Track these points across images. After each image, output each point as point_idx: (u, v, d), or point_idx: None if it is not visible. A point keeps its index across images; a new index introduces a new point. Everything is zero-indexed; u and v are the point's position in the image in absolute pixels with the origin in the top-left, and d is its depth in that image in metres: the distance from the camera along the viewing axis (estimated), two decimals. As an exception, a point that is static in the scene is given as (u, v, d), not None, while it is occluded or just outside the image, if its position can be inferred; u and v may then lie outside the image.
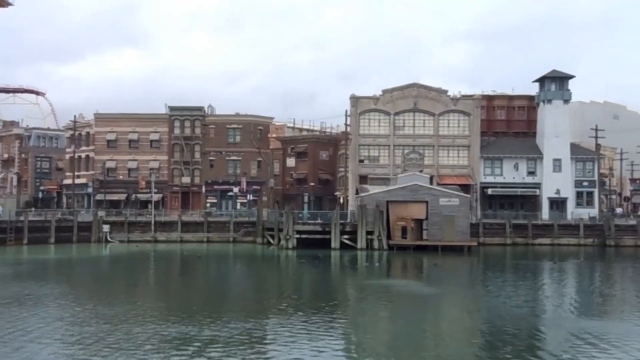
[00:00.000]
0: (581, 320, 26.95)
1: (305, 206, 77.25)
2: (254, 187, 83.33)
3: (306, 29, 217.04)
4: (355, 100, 77.19)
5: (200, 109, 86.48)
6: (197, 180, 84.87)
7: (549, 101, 75.89)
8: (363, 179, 74.69)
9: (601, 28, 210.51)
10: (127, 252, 58.93)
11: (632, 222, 70.38)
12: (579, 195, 75.23)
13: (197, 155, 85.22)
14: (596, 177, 76.58)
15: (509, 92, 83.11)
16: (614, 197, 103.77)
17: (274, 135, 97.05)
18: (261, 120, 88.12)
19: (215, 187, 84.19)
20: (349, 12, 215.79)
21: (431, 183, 65.77)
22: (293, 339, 22.06)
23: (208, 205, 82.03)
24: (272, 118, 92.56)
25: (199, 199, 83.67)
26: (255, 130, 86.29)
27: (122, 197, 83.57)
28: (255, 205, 74.55)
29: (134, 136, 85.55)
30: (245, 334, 22.66)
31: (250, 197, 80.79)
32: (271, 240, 64.14)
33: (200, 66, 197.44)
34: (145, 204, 79.08)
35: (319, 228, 61.87)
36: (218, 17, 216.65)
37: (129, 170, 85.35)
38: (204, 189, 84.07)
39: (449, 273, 45.59)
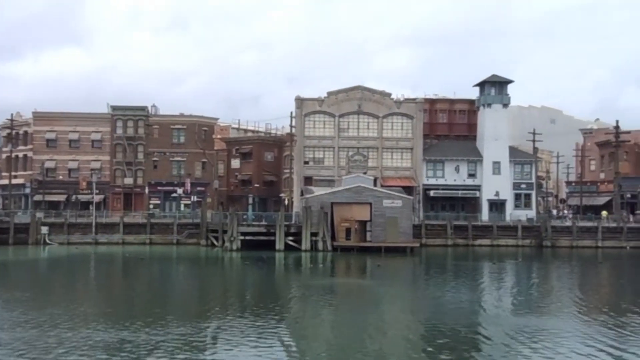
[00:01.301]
0: (519, 317, 27.93)
1: (250, 207, 77.05)
2: (198, 188, 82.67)
3: (251, 30, 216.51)
4: (300, 102, 77.50)
5: (143, 108, 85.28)
6: (140, 181, 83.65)
7: (489, 105, 77.75)
8: (308, 180, 75.05)
9: (539, 35, 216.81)
10: (67, 254, 57.67)
11: (568, 223, 72.75)
12: (517, 197, 77.30)
13: (140, 155, 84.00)
14: (534, 180, 78.89)
15: (451, 96, 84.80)
16: (550, 199, 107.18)
17: (219, 136, 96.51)
18: (206, 121, 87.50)
19: (159, 188, 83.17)
20: (293, 14, 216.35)
21: (375, 185, 66.63)
22: (236, 342, 22.06)
23: (151, 206, 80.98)
24: (217, 119, 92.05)
25: (141, 200, 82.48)
26: (200, 131, 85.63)
27: (62, 198, 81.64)
28: (199, 207, 73.95)
29: (75, 136, 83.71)
30: (187, 338, 22.42)
31: (194, 198, 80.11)
32: (215, 242, 63.78)
33: (144, 66, 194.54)
34: (86, 205, 77.48)
35: (263, 230, 61.88)
36: (162, 16, 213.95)
37: (69, 170, 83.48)
38: (147, 190, 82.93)
39: (391, 274, 46.29)
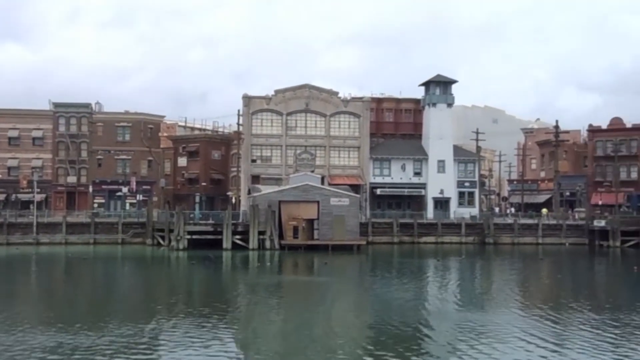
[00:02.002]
0: (463, 312, 28.69)
1: (197, 206, 76.45)
2: (144, 187, 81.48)
3: (198, 27, 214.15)
4: (247, 100, 77.25)
5: (87, 105, 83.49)
6: (83, 179, 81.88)
7: (434, 104, 78.99)
8: (255, 178, 74.88)
9: (482, 36, 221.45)
10: (6, 255, 56.09)
11: (509, 220, 74.65)
12: (461, 195, 78.81)
13: (84, 153, 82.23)
14: (477, 178, 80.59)
15: (397, 95, 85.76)
16: (493, 197, 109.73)
17: (165, 134, 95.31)
18: (152, 118, 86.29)
19: (103, 186, 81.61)
20: (240, 11, 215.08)
21: (322, 183, 66.96)
22: (181, 343, 21.85)
23: (95, 205, 79.36)
24: (163, 116, 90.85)
25: (85, 199, 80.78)
26: (146, 128, 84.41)
27: (1, 197, 79.25)
28: (145, 206, 72.88)
29: (14, 133, 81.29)
30: (130, 341, 22.04)
31: (140, 197, 78.89)
32: (161, 242, 63.06)
33: (88, 62, 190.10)
34: (26, 204, 75.34)
35: (210, 228, 61.48)
36: (106, 12, 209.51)
37: (9, 168, 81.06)
38: (91, 189, 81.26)
39: (338, 271, 46.74)
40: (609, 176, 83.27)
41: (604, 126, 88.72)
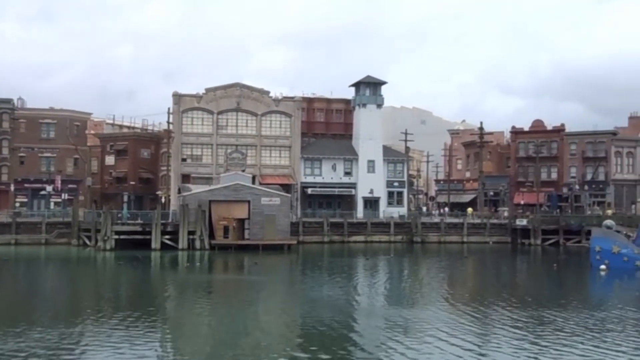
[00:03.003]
0: (391, 308, 29.41)
1: (125, 206, 75.00)
2: (70, 185, 79.34)
3: (126, 23, 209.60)
4: (178, 98, 76.33)
5: (8, 101, 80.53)
6: (4, 177, 79.01)
7: (364, 105, 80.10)
8: (186, 178, 74.09)
9: (410, 39, 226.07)
10: None
11: (436, 220, 76.57)
12: (390, 194, 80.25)
13: (5, 151, 79.35)
14: (406, 178, 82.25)
15: (328, 96, 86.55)
16: (421, 196, 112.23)
17: (92, 132, 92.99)
18: (78, 115, 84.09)
19: (26, 185, 78.97)
20: (170, 8, 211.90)
21: (253, 183, 66.94)
22: (108, 346, 21.41)
23: (17, 204, 76.70)
24: (90, 114, 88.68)
25: (7, 198, 77.94)
26: (72, 125, 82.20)
27: None
28: (70, 205, 70.90)
29: None
30: (53, 345, 21.39)
31: (65, 196, 76.74)
32: (87, 242, 61.60)
33: (11, 58, 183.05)
34: (-58, 203, 72.21)
35: (139, 228, 60.45)
36: (29, 7, 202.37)
37: None
38: (12, 187, 78.47)
39: (269, 271, 46.85)
40: (531, 176, 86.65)
41: (526, 128, 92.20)
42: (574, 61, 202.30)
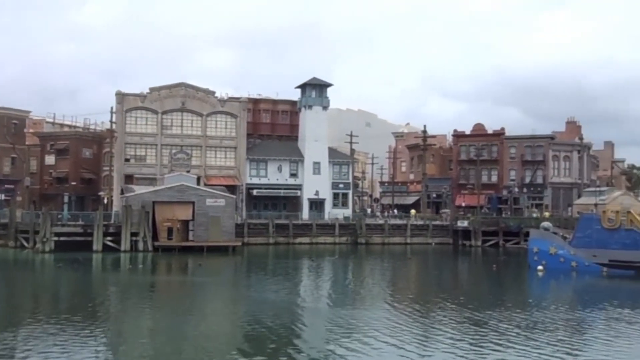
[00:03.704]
0: (335, 310, 29.69)
1: (66, 207, 73.28)
2: (7, 185, 77.09)
3: (67, 21, 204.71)
4: (121, 97, 75.06)
5: (-58, 98, 77.81)
6: (-63, 177, 76.28)
7: (310, 107, 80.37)
8: (129, 178, 72.87)
9: (355, 42, 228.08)
10: None
11: (380, 221, 77.49)
12: (335, 196, 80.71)
13: (-62, 149, 76.60)
14: (351, 180, 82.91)
15: (274, 97, 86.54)
16: (365, 198, 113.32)
17: (31, 131, 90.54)
18: (15, 113, 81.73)
19: (-40, 185, 76.41)
20: (113, 6, 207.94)
21: (198, 184, 66.40)
22: (45, 351, 20.87)
23: (-50, 205, 74.04)
24: (28, 112, 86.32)
25: (-61, 199, 75.20)
26: (9, 124, 79.83)
27: None
28: (7, 206, 68.83)
29: None
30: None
31: (2, 196, 74.50)
32: (25, 244, 59.88)
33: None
34: None
35: (80, 230, 59.18)
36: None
37: None
38: (-55, 187, 75.79)
39: (213, 273, 46.59)
40: (472, 179, 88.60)
41: (468, 132, 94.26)
42: (514, 67, 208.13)
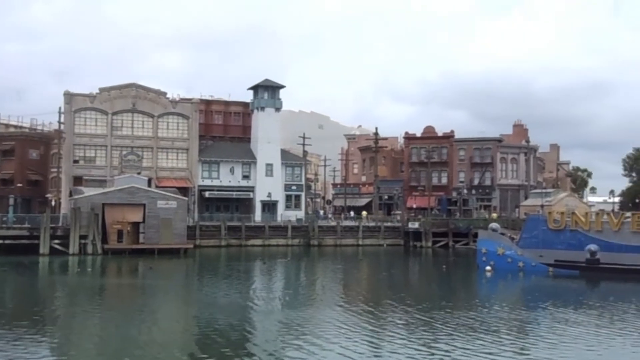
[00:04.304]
0: (287, 311, 29.74)
1: (11, 209, 71.07)
2: (-51, 187, 74.64)
3: (13, 20, 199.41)
4: (69, 97, 73.57)
5: None
6: None
7: (262, 109, 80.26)
8: (78, 180, 71.38)
9: (307, 45, 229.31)
10: None
11: (333, 223, 77.93)
12: (288, 198, 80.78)
13: None
14: (303, 182, 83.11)
15: (226, 98, 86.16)
16: (318, 200, 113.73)
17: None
18: (-42, 113, 79.24)
19: None
20: (61, 5, 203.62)
21: (149, 185, 65.63)
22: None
23: None
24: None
25: None
26: (-49, 124, 77.36)
27: None
28: (-51, 208, 66.79)
29: None
30: None
31: (-57, 198, 72.16)
32: (-31, 247, 58.20)
33: None
34: None
35: (26, 233, 57.79)
36: None
37: None
38: None
39: (164, 276, 46.14)
40: (423, 181, 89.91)
41: (419, 134, 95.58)
42: (462, 71, 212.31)
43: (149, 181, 67.62)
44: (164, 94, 78.01)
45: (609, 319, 28.53)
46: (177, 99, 79.33)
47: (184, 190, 70.78)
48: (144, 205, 59.95)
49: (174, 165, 76.99)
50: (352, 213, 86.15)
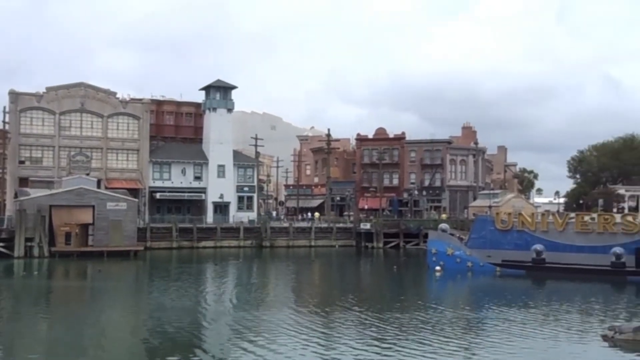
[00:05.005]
0: (239, 313, 29.76)
1: (-48, 211, 69.16)
2: None
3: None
4: (15, 96, 71.74)
5: None
6: None
7: (214, 109, 79.72)
8: (23, 181, 69.57)
9: (258, 46, 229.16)
10: None
11: (285, 224, 77.99)
12: (240, 199, 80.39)
13: None
14: (256, 183, 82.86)
15: (178, 99, 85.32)
16: (270, 201, 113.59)
17: None
18: None
19: None
20: (7, 4, 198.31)
21: (99, 187, 64.58)
22: None
23: None
24: None
25: None
26: None
27: None
28: None
29: None
30: None
31: None
32: None
33: None
34: None
35: (-32, 235, 56.21)
36: None
37: None
38: None
39: (113, 279, 45.48)
40: (375, 182, 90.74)
41: (371, 136, 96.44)
42: (410, 74, 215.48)
43: (98, 182, 66.55)
44: (114, 94, 76.81)
45: (553, 318, 29.36)
46: (128, 99, 78.18)
47: (134, 192, 69.79)
48: (93, 207, 58.94)
49: (124, 166, 75.85)
50: (310, 214, 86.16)
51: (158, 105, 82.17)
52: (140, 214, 67.86)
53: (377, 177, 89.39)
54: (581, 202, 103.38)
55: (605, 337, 23.78)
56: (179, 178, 77.68)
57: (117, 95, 77.04)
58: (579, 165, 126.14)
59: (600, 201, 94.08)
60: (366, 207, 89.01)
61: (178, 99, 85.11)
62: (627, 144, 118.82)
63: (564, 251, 46.44)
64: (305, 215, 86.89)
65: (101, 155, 74.40)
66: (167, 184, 77.16)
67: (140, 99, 79.06)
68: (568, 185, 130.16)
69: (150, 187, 75.84)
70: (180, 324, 26.63)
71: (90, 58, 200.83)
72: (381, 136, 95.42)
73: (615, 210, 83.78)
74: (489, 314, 30.41)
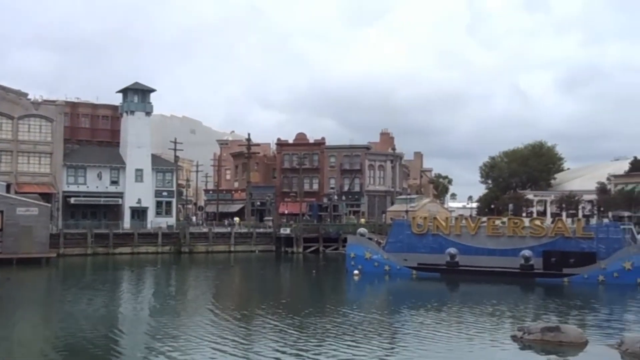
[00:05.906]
0: (156, 319, 29.43)
1: None
2: None
3: None
4: None
5: None
6: None
7: (132, 112, 78.00)
8: None
9: (178, 50, 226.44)
10: None
11: (205, 229, 77.26)
12: (158, 204, 78.90)
13: None
14: (175, 188, 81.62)
15: (94, 101, 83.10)
16: (190, 206, 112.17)
17: None
18: None
19: None
20: None
21: (8, 191, 62.16)
22: None
23: None
24: None
25: None
26: None
27: None
28: None
29: None
30: None
31: None
32: None
33: None
34: None
35: None
36: None
37: None
38: None
39: (23, 287, 43.82)
40: (295, 187, 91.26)
41: (291, 141, 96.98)
42: (328, 79, 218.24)
43: (8, 187, 64.12)
44: (25, 95, 74.15)
45: (466, 319, 30.43)
46: (40, 100, 75.50)
47: (47, 197, 67.38)
48: (2, 212, 56.60)
49: (36, 170, 73.10)
50: (235, 219, 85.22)
51: (73, 108, 79.80)
52: (53, 220, 65.63)
53: (297, 182, 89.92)
54: (492, 206, 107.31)
55: (514, 338, 24.91)
56: (94, 182, 75.53)
57: (29, 97, 74.30)
58: (491, 171, 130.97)
59: (510, 206, 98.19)
60: (286, 212, 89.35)
61: (94, 101, 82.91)
62: (535, 151, 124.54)
63: (476, 254, 48.24)
64: (230, 220, 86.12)
65: (11, 158, 71.44)
66: (83, 188, 74.85)
67: (54, 101, 76.52)
68: (480, 190, 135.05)
69: (64, 192, 73.42)
70: (95, 333, 26.06)
71: (0, 58, 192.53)
72: (301, 141, 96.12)
73: (524, 214, 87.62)
74: (404, 317, 31.27)
